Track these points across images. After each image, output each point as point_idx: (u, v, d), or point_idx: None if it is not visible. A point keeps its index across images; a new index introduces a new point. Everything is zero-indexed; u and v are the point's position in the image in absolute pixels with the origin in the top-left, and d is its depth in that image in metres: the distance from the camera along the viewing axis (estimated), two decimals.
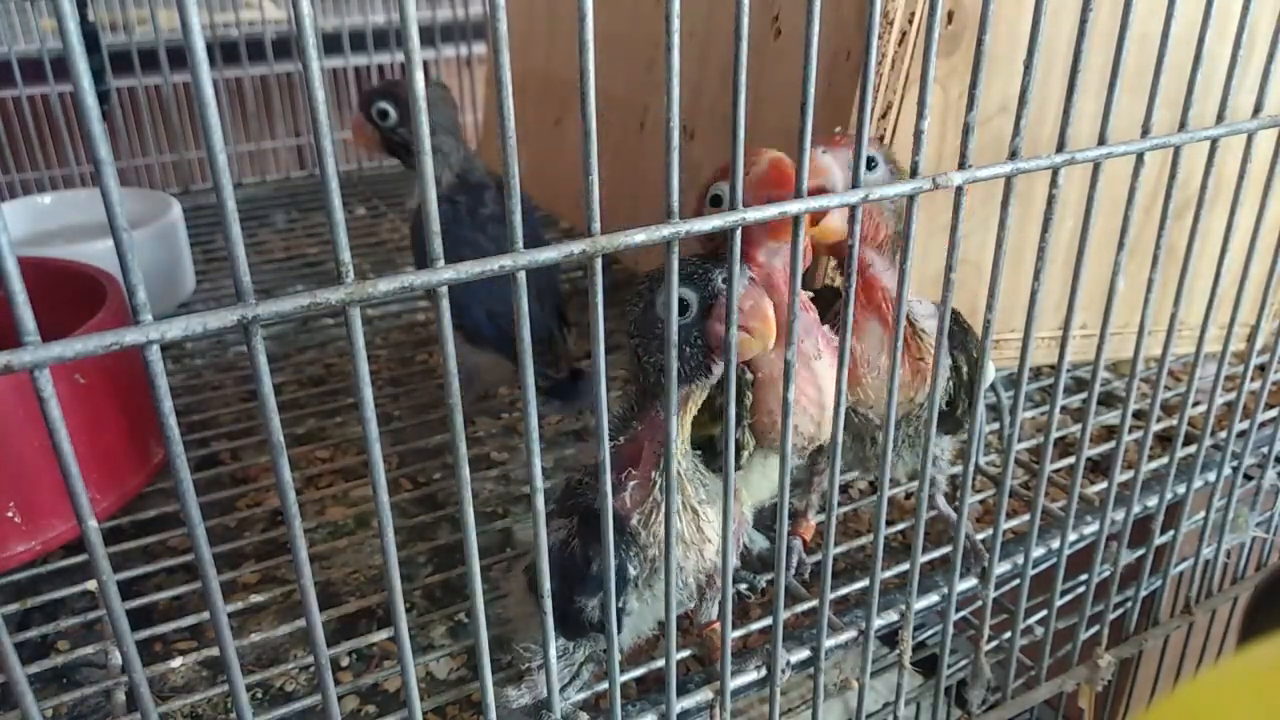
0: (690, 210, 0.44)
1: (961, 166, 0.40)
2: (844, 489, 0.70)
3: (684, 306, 0.42)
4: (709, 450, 0.51)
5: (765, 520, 0.61)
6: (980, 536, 0.63)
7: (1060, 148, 0.43)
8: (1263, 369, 0.66)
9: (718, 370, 0.43)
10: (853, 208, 0.38)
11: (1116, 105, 0.43)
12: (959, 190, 0.41)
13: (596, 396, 0.35)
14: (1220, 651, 0.87)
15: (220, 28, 1.37)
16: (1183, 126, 0.47)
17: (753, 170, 0.42)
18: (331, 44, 1.41)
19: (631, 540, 0.45)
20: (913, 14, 0.55)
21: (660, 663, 0.51)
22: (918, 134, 0.39)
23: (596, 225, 0.33)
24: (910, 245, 0.40)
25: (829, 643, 0.52)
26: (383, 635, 0.55)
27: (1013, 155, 0.41)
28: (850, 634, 0.53)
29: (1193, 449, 0.63)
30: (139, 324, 0.27)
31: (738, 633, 0.55)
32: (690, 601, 0.50)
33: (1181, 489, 0.63)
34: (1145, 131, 0.46)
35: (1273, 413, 0.75)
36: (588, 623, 0.46)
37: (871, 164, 0.49)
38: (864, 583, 0.56)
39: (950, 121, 0.60)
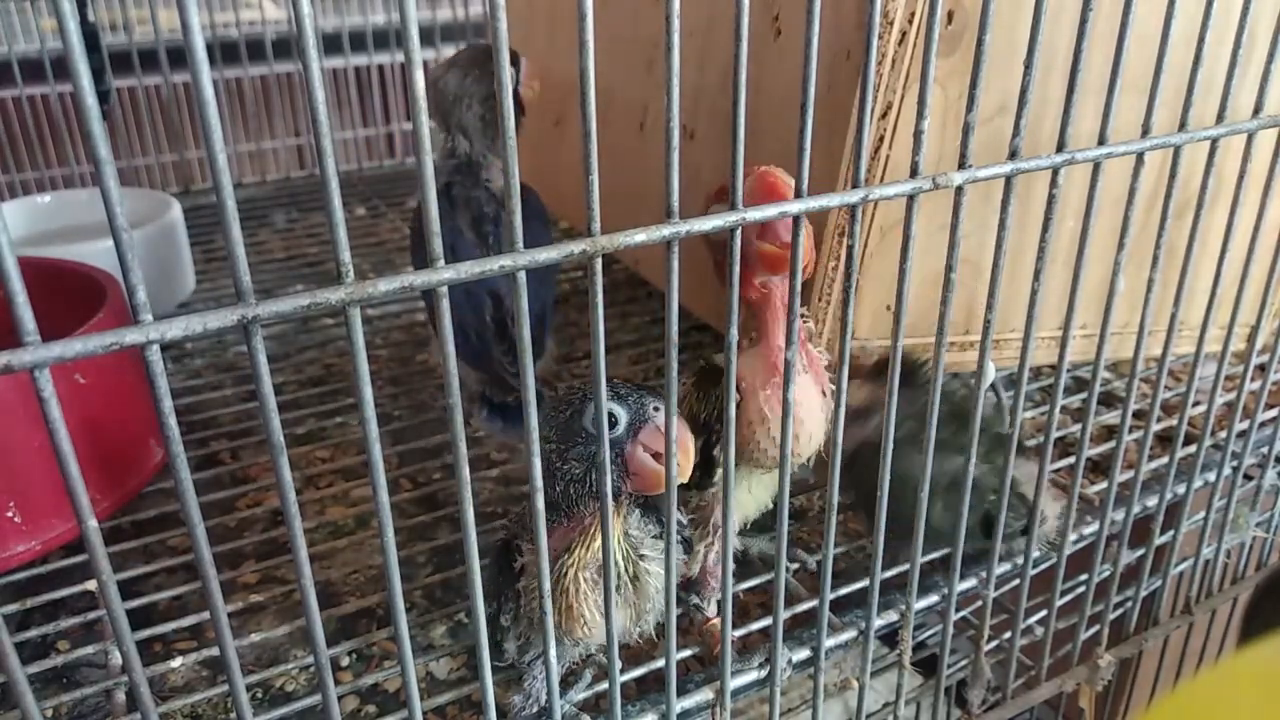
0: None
1: (961, 166, 0.40)
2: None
3: (612, 421, 0.42)
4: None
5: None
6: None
7: (1060, 148, 0.43)
8: (1263, 369, 0.66)
9: (627, 493, 0.43)
10: (853, 208, 0.39)
11: (1116, 105, 0.43)
12: (959, 190, 0.41)
13: (596, 396, 0.35)
14: (1220, 651, 0.87)
15: (220, 28, 1.37)
16: (1183, 126, 0.47)
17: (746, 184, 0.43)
18: (331, 44, 1.41)
19: (514, 596, 0.45)
20: (913, 14, 0.55)
21: (660, 663, 0.51)
22: (918, 134, 0.39)
23: (597, 225, 0.33)
24: (910, 245, 0.40)
25: (829, 643, 0.52)
26: (383, 635, 0.55)
27: (1013, 155, 0.41)
28: (850, 634, 0.53)
29: (1193, 449, 0.63)
30: (139, 324, 0.27)
31: (738, 632, 0.55)
32: (585, 652, 0.49)
33: (1181, 489, 0.63)
34: (1145, 131, 0.46)
35: (1273, 413, 0.75)
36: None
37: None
38: (864, 583, 0.56)
39: (950, 121, 0.60)
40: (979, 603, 0.56)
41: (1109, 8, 0.46)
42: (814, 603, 0.52)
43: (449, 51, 1.43)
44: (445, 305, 0.31)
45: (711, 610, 0.54)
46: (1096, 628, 0.64)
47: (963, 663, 0.63)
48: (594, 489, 0.42)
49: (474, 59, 0.69)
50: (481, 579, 0.48)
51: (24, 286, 0.25)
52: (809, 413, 0.48)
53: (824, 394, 0.48)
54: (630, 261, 0.96)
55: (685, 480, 0.42)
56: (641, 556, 0.44)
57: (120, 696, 0.50)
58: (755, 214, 0.36)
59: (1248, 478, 0.70)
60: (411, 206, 1.25)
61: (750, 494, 0.55)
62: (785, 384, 0.40)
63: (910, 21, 0.56)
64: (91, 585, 0.57)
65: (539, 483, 0.36)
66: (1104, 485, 0.61)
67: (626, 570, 0.44)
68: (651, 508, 0.45)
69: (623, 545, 0.44)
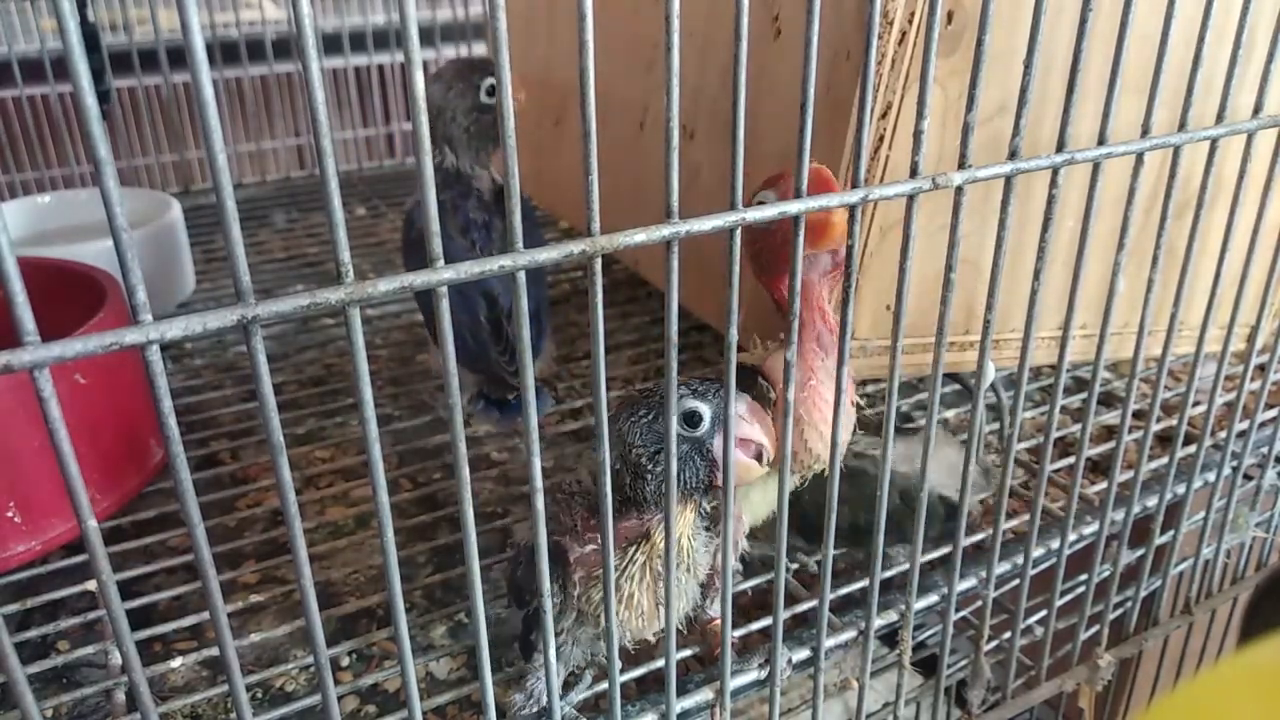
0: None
1: (961, 166, 0.40)
2: None
3: (697, 419, 0.43)
4: None
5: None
6: (979, 537, 0.63)
7: (1060, 148, 0.43)
8: (1263, 369, 0.66)
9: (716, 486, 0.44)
10: (852, 208, 0.39)
11: (1116, 105, 0.43)
12: (959, 190, 0.41)
13: (596, 398, 0.35)
14: (1220, 651, 0.87)
15: (220, 28, 1.37)
16: (1183, 126, 0.47)
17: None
18: (331, 44, 1.41)
19: (555, 592, 0.46)
20: (913, 14, 0.55)
21: (660, 663, 0.51)
22: (917, 134, 0.39)
23: (596, 225, 0.33)
24: (910, 245, 0.40)
25: (829, 643, 0.52)
26: (383, 635, 0.55)
27: (1013, 155, 0.41)
28: (850, 634, 0.53)
29: (1193, 449, 0.63)
30: (139, 324, 0.27)
31: (738, 632, 0.55)
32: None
33: (1181, 489, 0.63)
34: (1145, 131, 0.45)
35: (1273, 413, 0.75)
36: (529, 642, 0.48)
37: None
38: (864, 583, 0.56)
39: (950, 121, 0.60)
40: (979, 603, 0.56)
41: (1109, 8, 0.46)
42: (814, 603, 0.52)
43: (449, 52, 1.44)
44: (445, 305, 0.31)
45: (714, 610, 0.54)
46: (1096, 628, 0.64)
47: (963, 663, 0.63)
48: (688, 484, 0.44)
49: (458, 72, 0.69)
50: (516, 577, 0.48)
51: (24, 286, 0.25)
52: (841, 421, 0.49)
53: (853, 404, 0.49)
54: (630, 261, 0.96)
55: (769, 470, 0.44)
56: (685, 569, 0.46)
57: (120, 696, 0.50)
58: (754, 214, 0.36)
59: (1248, 478, 0.70)
60: (407, 207, 1.25)
61: (765, 498, 0.55)
62: (785, 383, 0.40)
63: (910, 21, 0.56)
64: (91, 585, 0.57)
65: (539, 483, 0.36)
66: (1104, 485, 0.61)
67: (686, 561, 0.46)
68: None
69: (690, 541, 0.46)
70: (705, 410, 0.43)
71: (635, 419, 0.44)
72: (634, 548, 0.45)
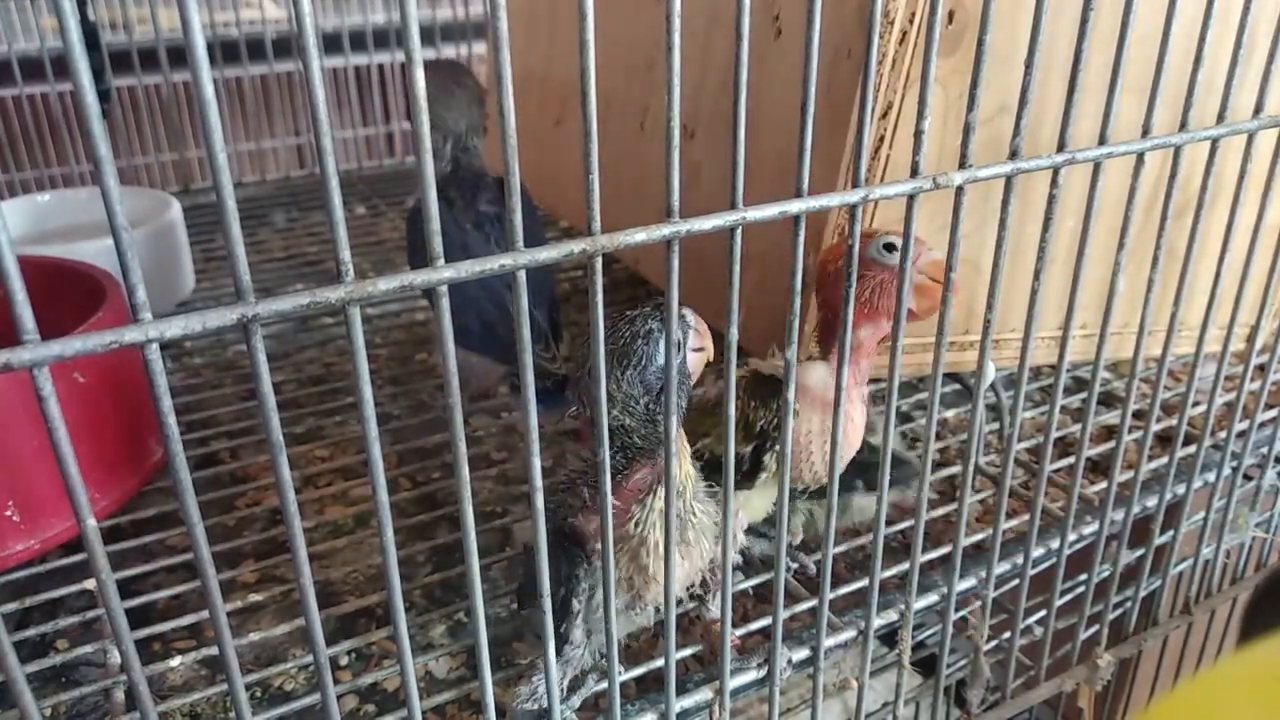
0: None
1: (961, 166, 0.40)
2: None
3: (680, 346, 0.45)
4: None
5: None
6: (979, 536, 0.63)
7: (1060, 148, 0.43)
8: (1263, 369, 0.66)
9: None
10: (853, 208, 0.38)
11: (1116, 105, 0.43)
12: (959, 190, 0.41)
13: (596, 397, 0.35)
14: (1220, 651, 0.87)
15: (220, 27, 1.37)
16: (1183, 126, 0.47)
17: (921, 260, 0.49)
18: (331, 44, 1.41)
19: (584, 573, 0.46)
20: (913, 13, 0.55)
21: (660, 662, 0.51)
22: (918, 134, 0.39)
23: (597, 225, 0.33)
24: (910, 246, 0.40)
25: (829, 642, 0.52)
26: (382, 634, 0.55)
27: (1013, 155, 0.41)
28: (850, 634, 0.53)
29: (1193, 449, 0.63)
30: (138, 322, 0.27)
31: (738, 632, 0.55)
32: (647, 622, 0.51)
33: (1181, 489, 0.63)
34: (1145, 131, 0.46)
35: (1273, 413, 0.75)
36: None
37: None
38: (864, 583, 0.56)
39: (950, 121, 0.60)
40: (979, 602, 0.56)
41: (1109, 8, 0.46)
42: (814, 602, 0.52)
43: (449, 51, 1.44)
44: (445, 304, 0.31)
45: (714, 610, 0.54)
46: (1096, 628, 0.64)
47: (962, 663, 0.63)
48: (682, 406, 0.46)
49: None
50: (529, 570, 0.48)
51: (24, 285, 0.25)
52: (855, 434, 0.51)
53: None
54: (630, 261, 0.96)
55: (710, 358, 0.46)
56: (693, 512, 0.47)
57: (119, 695, 0.50)
58: (754, 214, 0.36)
59: (1248, 478, 0.70)
60: (410, 206, 1.25)
61: (764, 500, 0.55)
62: (785, 383, 0.40)
63: (911, 21, 0.56)
64: (90, 584, 0.57)
65: (539, 482, 0.36)
66: (1104, 485, 0.61)
67: (689, 515, 0.46)
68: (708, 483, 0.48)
69: (695, 470, 0.47)
70: (679, 336, 0.45)
71: (635, 370, 0.45)
72: (650, 495, 0.45)
